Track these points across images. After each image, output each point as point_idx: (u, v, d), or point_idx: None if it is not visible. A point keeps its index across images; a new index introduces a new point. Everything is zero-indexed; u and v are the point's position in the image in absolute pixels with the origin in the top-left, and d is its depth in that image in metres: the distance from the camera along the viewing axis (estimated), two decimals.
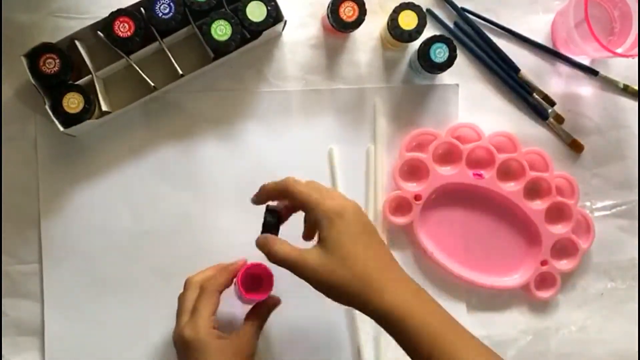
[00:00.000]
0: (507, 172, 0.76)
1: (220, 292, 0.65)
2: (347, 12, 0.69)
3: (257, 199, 0.63)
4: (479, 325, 0.76)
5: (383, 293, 0.55)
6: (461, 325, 0.57)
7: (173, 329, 0.65)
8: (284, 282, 0.73)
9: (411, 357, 0.55)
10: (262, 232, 0.62)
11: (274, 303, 0.68)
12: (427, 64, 0.71)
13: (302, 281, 0.70)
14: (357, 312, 0.73)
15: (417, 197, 0.74)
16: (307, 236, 0.62)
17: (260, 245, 0.59)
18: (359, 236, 0.57)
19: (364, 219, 0.58)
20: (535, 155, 0.76)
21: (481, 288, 0.76)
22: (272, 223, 0.62)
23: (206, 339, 0.61)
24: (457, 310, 0.75)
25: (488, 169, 0.75)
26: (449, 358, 0.53)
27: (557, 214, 0.76)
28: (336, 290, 0.56)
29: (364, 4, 0.70)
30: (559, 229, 0.76)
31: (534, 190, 0.76)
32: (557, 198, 0.76)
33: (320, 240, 0.57)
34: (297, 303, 0.73)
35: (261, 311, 0.67)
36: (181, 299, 0.66)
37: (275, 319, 0.71)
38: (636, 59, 0.71)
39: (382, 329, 0.73)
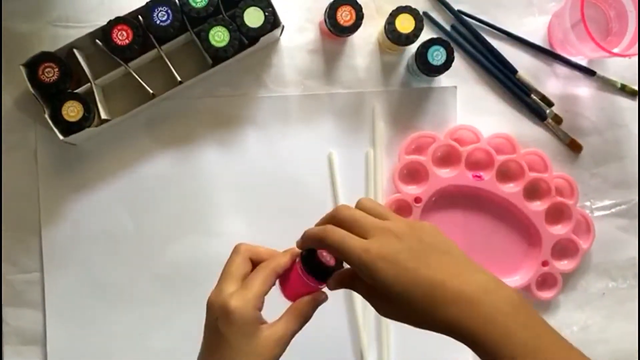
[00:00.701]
0: (506, 174, 0.76)
1: (277, 275, 0.55)
2: (345, 16, 0.70)
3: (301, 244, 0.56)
4: None
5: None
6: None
7: (211, 293, 0.56)
8: None
9: None
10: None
11: (322, 299, 0.56)
12: (425, 67, 0.71)
13: None
14: (359, 313, 0.74)
15: (417, 200, 0.74)
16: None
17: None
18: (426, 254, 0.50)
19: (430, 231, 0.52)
20: (534, 156, 0.76)
21: None
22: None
23: (252, 318, 0.52)
24: None
25: (487, 170, 0.75)
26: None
27: (557, 214, 0.77)
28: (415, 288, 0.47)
29: (361, 9, 0.70)
30: (559, 230, 0.76)
31: (533, 191, 0.76)
32: (556, 198, 0.76)
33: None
34: None
35: (306, 308, 0.55)
36: (228, 262, 0.57)
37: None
38: (633, 58, 0.71)
39: (383, 331, 0.74)
